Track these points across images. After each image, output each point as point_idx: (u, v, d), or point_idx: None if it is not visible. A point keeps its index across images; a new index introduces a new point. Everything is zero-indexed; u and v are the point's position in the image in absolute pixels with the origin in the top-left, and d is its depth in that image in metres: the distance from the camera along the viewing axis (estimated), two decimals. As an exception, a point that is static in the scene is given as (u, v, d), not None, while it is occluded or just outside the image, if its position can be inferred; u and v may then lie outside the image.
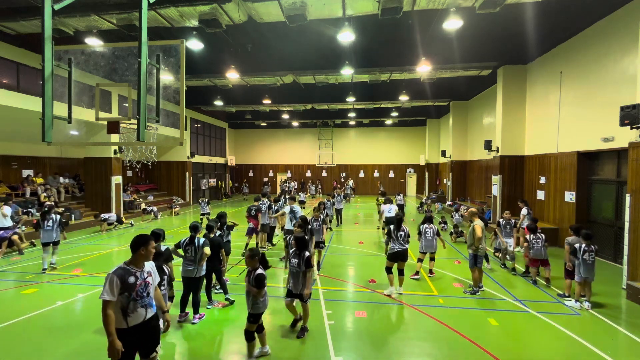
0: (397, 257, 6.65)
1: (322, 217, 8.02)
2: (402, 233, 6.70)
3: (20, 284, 7.34)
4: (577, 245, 6.23)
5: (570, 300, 6.37)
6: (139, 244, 3.25)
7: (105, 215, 13.69)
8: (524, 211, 9.68)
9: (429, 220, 7.97)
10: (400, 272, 6.77)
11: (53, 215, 8.23)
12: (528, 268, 7.85)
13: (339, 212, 14.55)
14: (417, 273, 7.73)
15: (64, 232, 8.59)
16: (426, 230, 7.79)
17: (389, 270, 6.73)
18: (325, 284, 7.30)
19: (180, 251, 5.57)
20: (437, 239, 7.81)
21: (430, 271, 7.93)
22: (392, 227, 6.82)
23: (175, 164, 22.25)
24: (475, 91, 18.22)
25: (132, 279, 3.15)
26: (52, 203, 11.48)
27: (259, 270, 4.26)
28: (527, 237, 7.46)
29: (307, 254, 4.89)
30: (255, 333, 4.38)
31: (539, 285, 7.30)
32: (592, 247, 6.16)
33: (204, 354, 4.62)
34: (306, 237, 5.54)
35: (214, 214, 15.83)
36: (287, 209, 9.13)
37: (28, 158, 15.36)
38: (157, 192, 21.92)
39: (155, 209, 16.71)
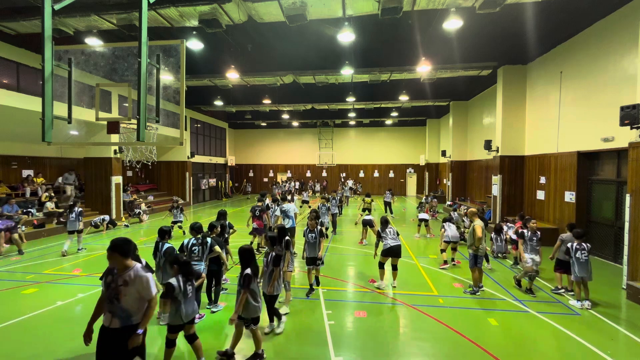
0: (391, 253, 6.91)
1: (318, 227, 6.75)
2: (391, 230, 7.06)
3: (20, 284, 7.34)
4: (569, 245, 6.24)
5: (569, 298, 6.39)
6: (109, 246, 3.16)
7: (97, 218, 13.25)
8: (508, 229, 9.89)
9: (449, 220, 9.19)
10: (394, 267, 7.08)
11: (75, 209, 9.89)
12: (516, 259, 8.55)
13: (334, 216, 13.31)
14: (452, 260, 8.79)
15: (81, 221, 10.07)
16: (449, 225, 8.91)
17: (381, 265, 7.09)
18: (325, 284, 7.30)
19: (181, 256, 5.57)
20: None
21: (452, 260, 8.87)
22: (379, 228, 7.27)
23: (175, 164, 22.25)
24: (475, 91, 18.21)
25: (108, 278, 3.18)
26: (76, 199, 12.20)
27: (171, 280, 3.95)
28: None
29: (247, 271, 4.35)
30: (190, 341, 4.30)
31: (534, 283, 7.31)
32: (584, 245, 6.15)
33: (203, 354, 4.61)
34: (277, 254, 5.10)
35: (213, 216, 15.62)
36: (277, 210, 9.18)
37: (28, 158, 15.34)
38: (157, 192, 21.91)
39: (142, 210, 15.97)
